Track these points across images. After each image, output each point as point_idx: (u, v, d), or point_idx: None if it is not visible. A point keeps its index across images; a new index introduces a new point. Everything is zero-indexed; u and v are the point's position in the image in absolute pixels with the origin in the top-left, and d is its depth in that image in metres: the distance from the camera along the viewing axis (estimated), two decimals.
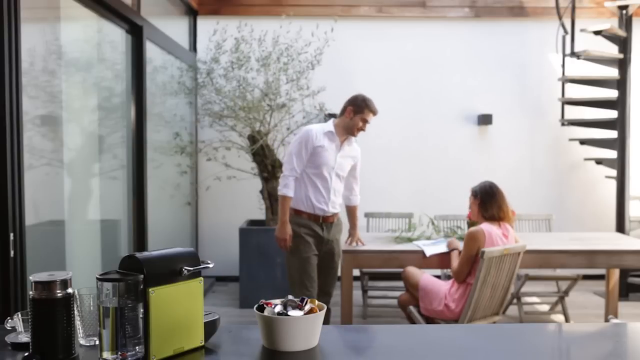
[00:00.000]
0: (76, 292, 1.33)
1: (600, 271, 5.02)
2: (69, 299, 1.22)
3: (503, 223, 3.40)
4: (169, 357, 1.25)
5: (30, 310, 1.21)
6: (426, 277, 3.54)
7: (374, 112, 3.51)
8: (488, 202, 3.40)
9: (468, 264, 3.27)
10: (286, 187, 3.42)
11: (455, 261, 3.46)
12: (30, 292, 1.21)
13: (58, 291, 1.21)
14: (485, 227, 3.31)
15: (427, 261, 3.68)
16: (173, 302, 1.25)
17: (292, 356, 1.28)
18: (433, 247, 3.72)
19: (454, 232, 4.16)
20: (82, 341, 1.37)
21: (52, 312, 1.19)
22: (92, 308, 1.35)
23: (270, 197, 5.10)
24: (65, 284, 1.22)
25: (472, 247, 3.26)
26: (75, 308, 1.27)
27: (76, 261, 3.30)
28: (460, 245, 3.61)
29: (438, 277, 3.83)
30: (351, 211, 3.81)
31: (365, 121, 3.48)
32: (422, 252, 3.71)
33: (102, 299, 1.20)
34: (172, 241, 5.10)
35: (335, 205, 3.56)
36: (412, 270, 3.64)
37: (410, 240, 3.96)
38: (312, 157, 3.45)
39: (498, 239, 3.29)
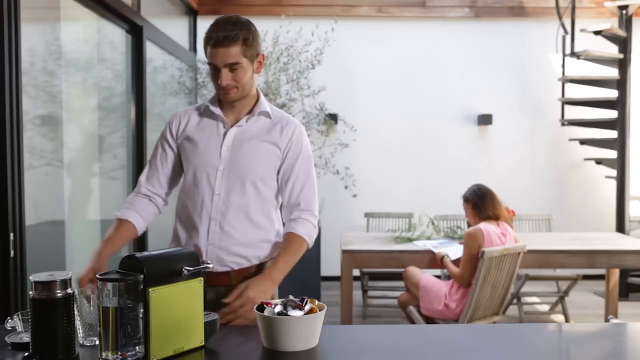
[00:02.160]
0: (76, 292, 1.33)
1: (600, 271, 5.02)
2: (69, 299, 1.22)
3: (501, 222, 3.41)
4: (169, 357, 1.25)
5: (30, 310, 1.21)
6: (427, 276, 3.54)
7: (212, 44, 1.78)
8: (480, 203, 3.43)
9: (470, 265, 3.27)
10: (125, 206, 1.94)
11: (452, 267, 3.45)
12: (31, 292, 1.21)
13: (58, 291, 1.21)
14: (483, 226, 3.32)
15: (427, 261, 3.68)
16: (173, 302, 1.25)
17: (292, 356, 1.28)
18: (448, 250, 3.70)
19: (454, 232, 4.16)
20: (82, 341, 1.37)
21: (52, 312, 1.19)
22: (92, 308, 1.35)
23: None
24: (65, 284, 1.22)
25: (472, 246, 3.26)
26: (75, 308, 1.27)
27: (76, 261, 3.29)
28: (450, 252, 3.61)
29: (438, 277, 3.83)
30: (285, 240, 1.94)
31: (213, 67, 1.82)
32: (421, 252, 3.70)
33: (102, 299, 1.20)
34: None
35: (226, 251, 1.85)
36: (413, 270, 3.65)
37: (410, 240, 3.96)
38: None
39: (497, 237, 3.29)
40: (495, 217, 3.41)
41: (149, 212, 1.93)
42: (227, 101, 1.88)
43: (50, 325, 1.19)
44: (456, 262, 3.50)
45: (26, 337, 1.35)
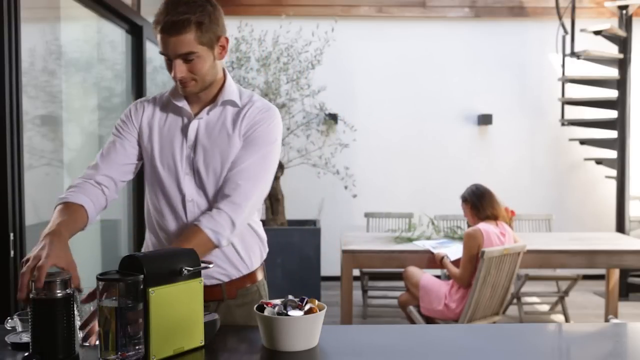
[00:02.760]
0: (75, 292, 1.33)
1: (600, 271, 5.02)
2: (69, 299, 1.22)
3: (500, 222, 3.41)
4: (169, 357, 1.25)
5: (30, 311, 1.21)
6: (427, 276, 3.55)
7: (160, 30, 1.52)
8: (479, 203, 3.43)
9: (471, 265, 3.27)
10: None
11: (452, 268, 3.45)
12: (31, 293, 1.21)
13: (58, 291, 1.21)
14: (482, 226, 3.32)
15: (427, 261, 3.68)
16: (173, 302, 1.25)
17: (292, 356, 1.28)
18: (448, 250, 3.70)
19: (454, 232, 4.16)
20: (81, 341, 1.37)
21: (52, 312, 1.19)
22: (91, 308, 1.35)
23: (270, 197, 5.10)
24: (65, 284, 1.22)
25: (472, 246, 3.26)
26: (75, 308, 1.27)
27: (76, 261, 3.29)
28: (450, 252, 3.62)
29: (438, 277, 3.83)
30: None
31: (166, 58, 1.57)
32: (421, 252, 3.70)
33: (102, 299, 1.20)
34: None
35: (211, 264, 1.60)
36: (413, 270, 3.65)
37: (410, 240, 3.96)
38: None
39: (496, 237, 3.29)
40: (494, 217, 3.41)
41: (99, 202, 1.60)
42: (186, 94, 1.62)
43: (50, 325, 1.19)
44: (456, 262, 3.50)
45: (26, 337, 1.35)
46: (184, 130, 1.63)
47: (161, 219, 1.65)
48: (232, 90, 1.64)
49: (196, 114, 1.64)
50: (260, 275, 1.76)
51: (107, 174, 1.62)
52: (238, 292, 1.66)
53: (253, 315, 1.37)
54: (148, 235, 1.74)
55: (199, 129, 1.62)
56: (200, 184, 1.61)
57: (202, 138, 1.61)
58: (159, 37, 1.52)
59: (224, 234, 1.52)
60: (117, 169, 1.64)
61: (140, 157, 1.69)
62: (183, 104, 1.64)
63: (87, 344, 1.31)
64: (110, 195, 1.64)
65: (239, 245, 1.66)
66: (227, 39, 1.63)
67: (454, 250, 3.67)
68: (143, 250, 1.74)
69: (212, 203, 1.59)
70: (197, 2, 1.52)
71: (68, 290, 1.22)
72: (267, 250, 1.79)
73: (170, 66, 1.55)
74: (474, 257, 3.25)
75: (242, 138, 1.60)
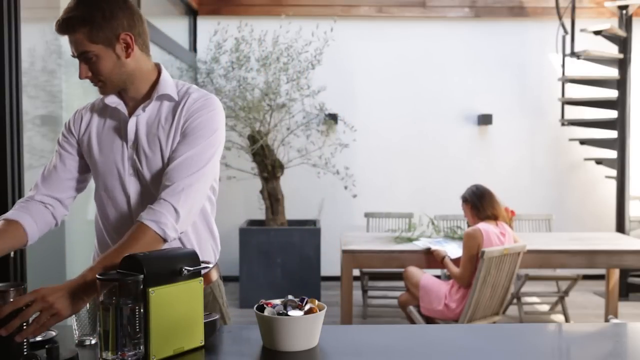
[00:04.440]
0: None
1: (600, 271, 5.02)
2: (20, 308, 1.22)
3: (500, 222, 3.42)
4: (169, 357, 1.25)
5: None
6: (427, 276, 3.55)
7: (55, 29, 1.49)
8: (479, 203, 3.44)
9: (470, 265, 3.27)
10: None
11: (452, 267, 3.45)
12: None
13: (12, 300, 1.24)
14: (482, 226, 3.33)
15: (427, 261, 3.68)
16: (173, 302, 1.25)
17: (292, 356, 1.28)
18: (446, 248, 3.70)
19: (454, 232, 4.16)
20: (77, 340, 1.37)
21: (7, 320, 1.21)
22: (88, 307, 1.35)
23: (271, 197, 5.10)
24: (19, 293, 1.25)
25: (471, 246, 3.26)
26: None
27: (76, 261, 3.29)
28: (448, 251, 3.62)
29: (438, 277, 3.83)
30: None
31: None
32: (421, 252, 3.70)
33: (102, 299, 1.20)
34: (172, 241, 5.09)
35: None
36: (413, 270, 3.65)
37: (410, 240, 3.96)
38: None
39: (495, 237, 3.30)
40: (494, 217, 3.41)
41: (45, 220, 1.57)
42: (102, 94, 1.57)
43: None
44: (455, 261, 3.50)
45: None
46: (122, 131, 1.57)
47: (109, 224, 1.60)
48: (167, 84, 1.57)
49: (132, 112, 1.57)
50: (214, 276, 1.69)
51: (48, 194, 1.59)
52: None
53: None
54: (96, 242, 1.66)
55: (138, 127, 1.55)
56: (145, 184, 1.55)
57: (141, 136, 1.55)
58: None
59: (168, 223, 1.40)
60: (58, 187, 1.60)
61: (86, 169, 1.64)
62: (117, 103, 1.57)
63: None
64: (59, 212, 1.60)
65: (191, 243, 1.59)
66: (130, 36, 1.48)
67: (452, 249, 3.67)
68: (93, 258, 1.69)
69: (149, 203, 1.50)
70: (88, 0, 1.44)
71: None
72: (219, 249, 1.71)
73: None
74: (473, 257, 3.25)
75: (182, 129, 1.52)
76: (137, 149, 1.55)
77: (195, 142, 1.50)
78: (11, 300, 1.25)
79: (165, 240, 1.42)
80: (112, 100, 1.57)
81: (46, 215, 1.57)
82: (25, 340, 1.23)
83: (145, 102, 1.56)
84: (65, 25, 1.43)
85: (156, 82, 1.57)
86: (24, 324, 1.22)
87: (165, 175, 1.48)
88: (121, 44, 1.47)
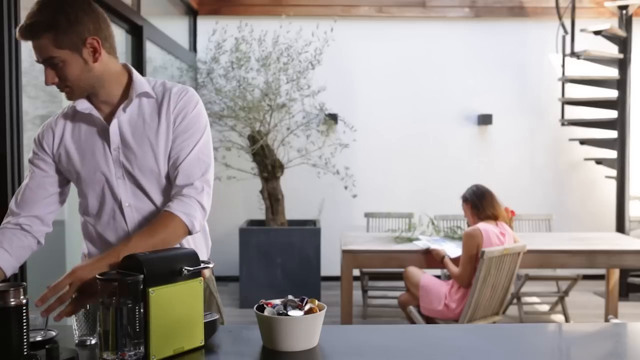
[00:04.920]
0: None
1: (600, 271, 5.02)
2: (20, 308, 1.22)
3: (500, 222, 3.42)
4: (169, 357, 1.25)
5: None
6: (427, 276, 3.55)
7: (18, 35, 1.45)
8: (479, 203, 3.44)
9: (470, 265, 3.27)
10: None
11: (452, 267, 3.45)
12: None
13: (12, 300, 1.22)
14: (482, 225, 3.33)
15: (427, 261, 3.68)
16: (173, 302, 1.25)
17: (292, 356, 1.28)
18: (444, 246, 3.70)
19: (454, 232, 4.16)
20: (77, 340, 1.37)
21: (7, 320, 1.21)
22: (88, 307, 1.35)
23: (270, 197, 5.10)
24: (18, 293, 1.23)
25: (471, 246, 3.26)
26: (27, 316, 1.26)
27: (76, 261, 3.29)
28: (448, 250, 3.62)
29: (438, 277, 3.83)
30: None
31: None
32: (422, 252, 3.70)
33: (102, 299, 1.20)
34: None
35: None
36: (413, 270, 3.65)
37: (410, 240, 3.96)
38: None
39: (495, 237, 3.30)
40: (494, 217, 3.41)
41: (21, 245, 1.52)
42: (69, 100, 1.53)
43: (4, 332, 1.20)
44: (455, 261, 3.50)
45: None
46: (102, 135, 1.54)
47: (100, 228, 1.59)
48: (142, 83, 1.55)
49: (108, 115, 1.54)
50: (208, 272, 1.70)
51: (25, 215, 1.55)
52: None
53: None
54: (87, 245, 1.66)
55: (122, 129, 1.53)
56: (138, 185, 1.54)
57: (128, 137, 1.53)
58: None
59: (197, 217, 1.48)
60: (35, 207, 1.56)
61: (64, 182, 1.62)
62: (90, 109, 1.54)
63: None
64: (39, 231, 1.57)
65: (187, 241, 1.60)
66: (98, 41, 1.45)
67: (451, 248, 3.68)
68: (81, 258, 1.68)
69: (155, 204, 1.54)
70: (52, 4, 1.40)
71: (22, 299, 1.23)
72: (210, 245, 1.74)
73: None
74: (473, 256, 3.25)
75: (173, 126, 1.53)
76: (123, 151, 1.53)
77: (195, 137, 1.55)
78: (11, 300, 1.24)
79: (190, 233, 1.48)
80: (84, 107, 1.54)
81: (23, 239, 1.53)
82: (25, 340, 1.22)
83: (123, 103, 1.53)
84: (29, 31, 1.39)
85: (129, 83, 1.55)
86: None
87: (179, 174, 1.51)
88: (88, 48, 1.44)
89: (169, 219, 1.45)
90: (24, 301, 1.25)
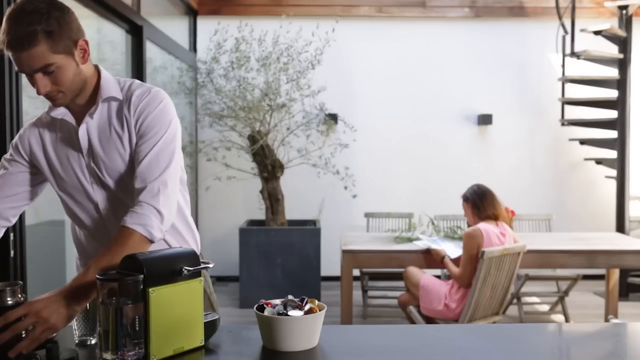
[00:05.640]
0: None
1: (600, 271, 5.02)
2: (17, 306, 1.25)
3: (500, 222, 3.42)
4: (169, 357, 1.25)
5: None
6: (427, 276, 3.55)
7: (8, 48, 1.40)
8: (480, 203, 3.44)
9: (470, 265, 3.27)
10: None
11: (452, 267, 3.45)
12: None
13: (9, 299, 1.25)
14: (482, 225, 3.33)
15: (427, 260, 3.68)
16: (173, 302, 1.25)
17: (292, 356, 1.28)
18: (443, 246, 3.70)
19: (454, 232, 4.16)
20: (77, 340, 1.37)
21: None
22: (88, 307, 1.35)
23: (270, 197, 5.10)
24: (14, 292, 1.26)
25: (471, 246, 3.26)
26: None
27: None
28: (448, 250, 3.62)
29: (438, 277, 3.83)
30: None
31: (27, 75, 1.46)
32: (421, 252, 3.70)
33: (102, 299, 1.20)
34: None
35: None
36: (413, 270, 3.65)
37: (410, 240, 3.96)
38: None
39: (495, 237, 3.29)
40: (494, 217, 3.41)
41: None
42: (58, 106, 1.53)
43: (2, 331, 1.22)
44: (455, 261, 3.50)
45: None
46: (75, 141, 1.54)
47: (85, 233, 1.62)
48: (109, 86, 1.54)
49: (81, 120, 1.54)
50: None
51: None
52: None
53: None
54: (75, 248, 1.67)
55: (89, 134, 1.53)
56: (109, 189, 1.54)
57: (95, 142, 1.53)
58: (9, 55, 1.40)
59: (154, 225, 1.41)
60: (4, 201, 1.56)
61: (37, 181, 1.62)
62: (63, 114, 1.55)
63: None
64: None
65: (173, 241, 1.62)
66: (86, 42, 1.48)
67: (451, 248, 3.68)
68: (75, 262, 1.69)
69: (115, 206, 1.53)
70: (40, 10, 1.38)
71: (19, 298, 1.26)
72: (199, 240, 1.73)
73: (32, 82, 1.43)
74: (473, 256, 3.25)
75: (136, 129, 1.51)
76: (93, 157, 1.53)
77: (155, 138, 1.50)
78: (8, 299, 1.25)
79: (152, 242, 1.43)
80: (59, 112, 1.54)
81: None
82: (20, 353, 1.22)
83: (90, 108, 1.53)
84: (22, 41, 1.35)
85: (97, 85, 1.54)
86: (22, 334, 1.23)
87: (137, 177, 1.47)
88: (79, 50, 1.45)
89: (126, 236, 1.39)
90: (22, 299, 1.27)
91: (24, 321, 1.22)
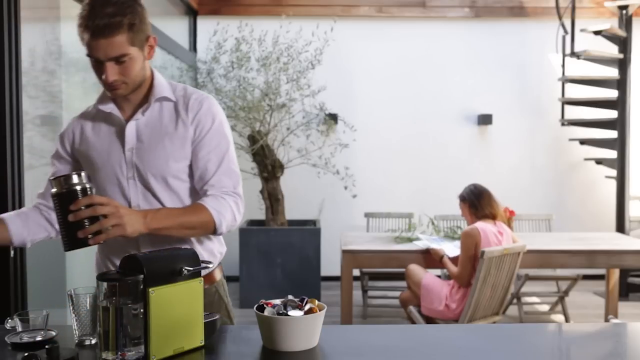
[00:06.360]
0: (72, 292, 1.34)
1: (600, 271, 5.02)
2: (85, 190, 1.35)
3: (498, 222, 3.42)
4: (169, 357, 1.25)
5: (55, 205, 1.35)
6: (429, 276, 3.55)
7: (89, 33, 1.46)
8: (477, 202, 3.45)
9: (469, 264, 3.27)
10: None
11: (451, 267, 3.46)
12: (53, 190, 1.34)
13: (75, 182, 1.34)
14: (479, 225, 3.33)
15: (427, 261, 3.68)
16: (173, 302, 1.25)
17: (292, 356, 1.28)
18: (443, 246, 3.71)
19: (453, 232, 4.16)
20: (77, 340, 1.37)
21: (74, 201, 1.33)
22: (88, 307, 1.35)
23: (270, 197, 5.10)
24: (80, 176, 1.36)
25: (469, 245, 3.27)
26: (70, 305, 1.32)
27: (76, 261, 3.29)
28: (447, 250, 3.62)
29: (439, 277, 3.83)
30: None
31: (96, 61, 1.51)
32: (421, 252, 3.70)
33: (102, 299, 1.20)
34: (172, 241, 5.09)
35: None
36: (415, 268, 3.64)
37: (410, 240, 3.96)
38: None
39: (493, 236, 3.30)
40: (492, 217, 3.42)
41: (37, 222, 1.62)
42: (116, 97, 1.57)
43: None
44: (454, 260, 3.51)
45: (26, 337, 1.36)
46: (120, 135, 1.59)
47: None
48: (163, 87, 1.61)
49: (129, 117, 1.59)
50: (218, 275, 1.75)
51: (43, 202, 1.65)
52: None
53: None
54: (99, 249, 1.68)
55: (138, 131, 1.58)
56: (147, 187, 1.57)
57: (143, 139, 1.57)
58: (86, 40, 1.47)
59: (227, 218, 1.53)
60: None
61: None
62: (112, 109, 1.59)
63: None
64: (54, 219, 1.60)
65: (197, 245, 1.64)
66: (155, 39, 1.56)
67: (449, 248, 3.68)
68: (96, 265, 1.71)
69: (149, 205, 1.57)
70: (125, 2, 1.46)
71: (85, 183, 1.36)
72: (224, 248, 1.77)
73: (98, 69, 1.50)
74: (471, 255, 3.25)
75: (194, 135, 1.57)
76: (137, 152, 1.56)
77: (223, 146, 1.59)
78: (75, 182, 1.33)
79: (214, 232, 1.53)
80: (107, 106, 1.59)
81: (40, 219, 1.63)
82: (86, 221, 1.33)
83: (143, 106, 1.59)
84: (107, 29, 1.43)
85: (152, 86, 1.60)
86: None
87: (214, 182, 1.56)
88: (148, 46, 1.54)
89: (201, 209, 1.50)
90: (87, 185, 1.36)
91: (104, 207, 1.33)
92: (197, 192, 1.61)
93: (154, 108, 1.59)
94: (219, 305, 1.70)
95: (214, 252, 1.71)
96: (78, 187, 1.34)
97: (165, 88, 1.60)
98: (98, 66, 1.50)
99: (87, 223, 1.33)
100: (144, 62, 1.54)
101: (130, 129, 1.58)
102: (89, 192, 1.35)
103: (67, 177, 1.34)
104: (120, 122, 1.59)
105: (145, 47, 1.53)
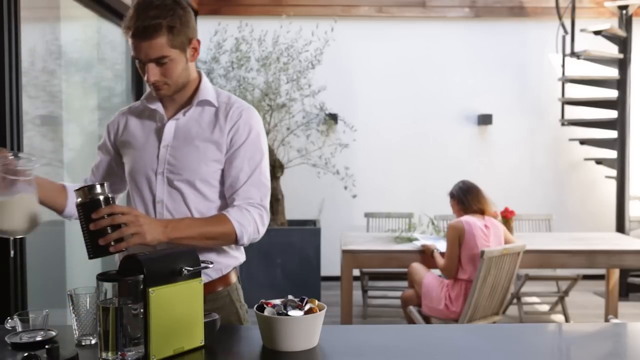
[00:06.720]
0: (72, 292, 1.34)
1: (600, 271, 5.02)
2: (108, 199, 1.38)
3: (486, 216, 3.44)
4: (169, 357, 1.25)
5: (80, 214, 1.39)
6: (430, 275, 3.55)
7: (131, 35, 1.51)
8: (465, 198, 3.49)
9: (454, 256, 3.33)
10: None
11: (439, 259, 3.52)
12: (78, 199, 1.38)
13: (99, 192, 1.38)
14: (465, 218, 3.37)
15: (425, 261, 3.68)
16: (173, 302, 1.25)
17: (292, 356, 1.28)
18: (437, 244, 3.72)
19: None
20: (77, 341, 1.37)
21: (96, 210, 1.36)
22: (88, 307, 1.36)
23: (271, 197, 5.10)
24: (103, 186, 1.39)
25: (453, 237, 3.32)
26: (70, 305, 1.32)
27: (76, 261, 3.29)
28: (437, 245, 3.65)
29: (440, 276, 3.84)
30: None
31: (140, 62, 1.56)
32: (420, 252, 3.71)
33: (102, 299, 1.20)
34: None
35: None
36: (418, 266, 3.65)
37: (410, 240, 3.96)
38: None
39: (479, 229, 3.32)
40: (480, 212, 3.45)
41: None
42: (160, 97, 1.63)
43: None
44: (444, 254, 3.55)
45: (26, 337, 1.36)
46: (159, 132, 1.64)
47: None
48: (207, 91, 1.64)
49: (172, 116, 1.64)
50: (233, 278, 1.72)
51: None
52: (207, 297, 1.43)
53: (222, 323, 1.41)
54: None
55: (176, 130, 1.62)
56: (173, 185, 1.60)
57: (179, 139, 1.61)
58: (130, 41, 1.52)
59: (249, 231, 1.56)
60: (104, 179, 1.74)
61: (118, 170, 1.76)
62: (157, 106, 1.65)
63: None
64: (115, 188, 1.73)
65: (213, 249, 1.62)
66: (198, 41, 1.60)
67: (443, 244, 3.70)
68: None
69: (189, 206, 1.59)
70: (167, 5, 1.51)
71: (107, 193, 1.39)
72: (243, 256, 1.73)
73: (143, 69, 1.55)
74: (456, 249, 3.32)
75: (229, 142, 1.60)
76: (171, 150, 1.61)
77: (256, 159, 1.62)
78: (98, 192, 1.37)
79: (236, 243, 1.57)
80: (154, 104, 1.65)
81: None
82: (109, 244, 1.36)
83: (186, 106, 1.63)
84: (147, 31, 1.47)
85: (197, 88, 1.64)
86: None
87: (242, 192, 1.59)
88: (191, 48, 1.58)
89: (224, 220, 1.54)
90: (110, 195, 1.39)
91: (124, 216, 1.37)
92: (225, 197, 1.63)
93: (195, 110, 1.63)
94: (230, 309, 1.68)
95: (231, 256, 1.69)
96: (101, 197, 1.37)
97: (209, 93, 1.64)
98: (142, 67, 1.55)
99: (109, 231, 1.36)
100: (186, 64, 1.57)
101: (170, 127, 1.63)
102: (111, 202, 1.38)
103: (91, 187, 1.38)
104: (163, 119, 1.64)
105: (187, 50, 1.56)
